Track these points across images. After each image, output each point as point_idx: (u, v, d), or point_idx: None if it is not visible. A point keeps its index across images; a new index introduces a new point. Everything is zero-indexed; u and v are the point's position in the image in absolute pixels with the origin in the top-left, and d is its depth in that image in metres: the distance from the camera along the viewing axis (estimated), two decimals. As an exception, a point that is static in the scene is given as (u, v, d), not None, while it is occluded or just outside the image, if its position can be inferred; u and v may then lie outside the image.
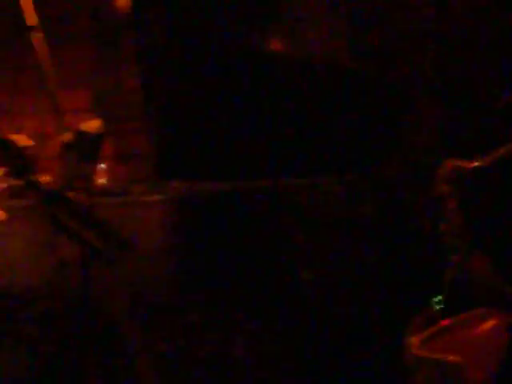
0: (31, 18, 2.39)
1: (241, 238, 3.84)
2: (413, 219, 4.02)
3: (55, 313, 3.15)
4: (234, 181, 3.97)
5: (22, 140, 2.09)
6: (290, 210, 3.88)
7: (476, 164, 2.77)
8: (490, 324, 3.06)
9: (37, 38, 2.38)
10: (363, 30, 4.60)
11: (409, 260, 3.92)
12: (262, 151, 4.00)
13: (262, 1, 4.39)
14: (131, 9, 5.35)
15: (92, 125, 3.56)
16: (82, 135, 3.10)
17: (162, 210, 3.87)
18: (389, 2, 4.68)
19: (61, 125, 2.21)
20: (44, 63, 2.30)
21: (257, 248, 3.85)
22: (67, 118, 5.37)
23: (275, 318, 3.85)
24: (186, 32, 4.38)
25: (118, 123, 5.36)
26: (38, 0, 2.98)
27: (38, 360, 3.63)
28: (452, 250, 2.67)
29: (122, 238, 2.52)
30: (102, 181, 4.74)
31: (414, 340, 2.27)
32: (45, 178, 2.24)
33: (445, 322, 2.59)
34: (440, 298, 2.56)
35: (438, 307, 2.60)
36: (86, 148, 2.73)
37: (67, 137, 2.35)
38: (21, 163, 1.96)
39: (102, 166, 3.43)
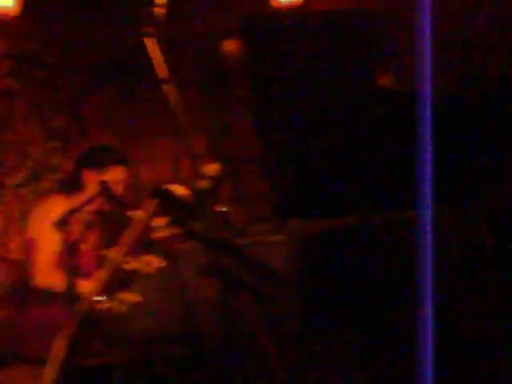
0: (162, 70, 2.44)
1: (363, 274, 3.80)
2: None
3: (197, 355, 3.17)
4: (352, 216, 3.95)
5: (179, 189, 2.12)
6: (409, 241, 3.83)
7: None
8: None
9: (169, 88, 2.42)
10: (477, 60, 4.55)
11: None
12: (378, 186, 3.98)
13: (378, 38, 4.39)
14: (243, 53, 5.42)
15: (211, 168, 3.61)
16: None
17: (284, 249, 3.86)
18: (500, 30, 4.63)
19: (196, 170, 2.24)
20: (177, 112, 2.34)
21: (380, 282, 3.81)
22: (196, 164, 5.45)
23: (398, 351, 3.79)
24: (301, 72, 4.40)
25: (233, 165, 5.41)
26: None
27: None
28: None
29: (279, 278, 2.53)
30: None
31: None
32: (198, 226, 2.27)
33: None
34: None
35: None
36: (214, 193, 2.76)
37: (202, 183, 2.38)
38: (181, 212, 1.99)
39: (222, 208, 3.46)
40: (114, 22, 5.72)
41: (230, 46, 5.60)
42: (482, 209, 4.02)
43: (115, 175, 4.26)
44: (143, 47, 5.67)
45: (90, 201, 4.14)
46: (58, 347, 1.38)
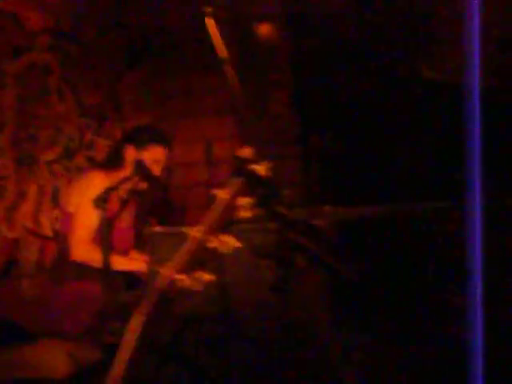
0: (222, 51, 2.42)
1: (394, 260, 3.79)
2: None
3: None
4: (385, 204, 3.94)
5: (262, 170, 2.11)
6: (440, 233, 3.81)
7: None
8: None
9: (228, 69, 2.40)
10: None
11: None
12: (408, 176, 3.97)
13: (417, 28, 4.37)
14: (284, 36, 5.41)
15: (245, 152, 3.60)
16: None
17: (318, 235, 3.84)
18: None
19: (258, 152, 2.22)
20: (236, 93, 2.32)
21: (410, 272, 3.79)
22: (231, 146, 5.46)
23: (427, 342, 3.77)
24: (341, 57, 4.39)
25: (265, 150, 5.39)
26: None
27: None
28: None
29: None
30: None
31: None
32: (281, 207, 2.25)
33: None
34: None
35: None
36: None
37: (257, 169, 2.34)
38: (264, 193, 1.97)
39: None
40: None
41: (267, 28, 5.58)
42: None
43: (155, 155, 4.27)
44: (181, 27, 5.67)
45: (128, 179, 4.14)
46: (135, 324, 1.37)
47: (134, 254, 4.39)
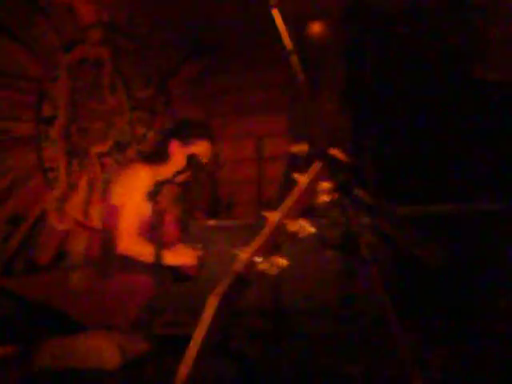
0: (288, 42, 2.40)
1: (455, 258, 3.73)
2: None
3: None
4: (451, 203, 3.88)
5: (340, 155, 2.08)
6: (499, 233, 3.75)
7: None
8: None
9: (294, 60, 2.38)
10: None
11: None
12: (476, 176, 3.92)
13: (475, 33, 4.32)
14: (332, 35, 5.38)
15: (300, 148, 3.57)
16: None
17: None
18: None
19: (323, 145, 2.19)
20: (301, 84, 2.30)
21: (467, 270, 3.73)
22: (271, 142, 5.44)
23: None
24: (398, 56, 4.35)
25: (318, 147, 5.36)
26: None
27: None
28: None
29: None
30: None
31: None
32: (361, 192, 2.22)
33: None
34: None
35: None
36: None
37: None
38: (345, 178, 1.95)
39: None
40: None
41: (319, 27, 5.55)
42: None
43: (200, 149, 4.26)
44: (234, 23, 5.66)
45: (180, 172, 4.13)
46: (209, 306, 1.35)
47: (181, 248, 4.38)
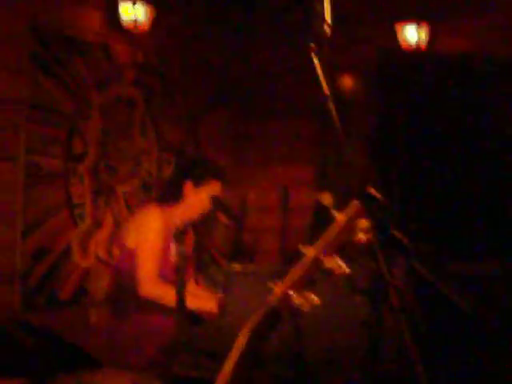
0: (326, 87, 2.42)
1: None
2: None
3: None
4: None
5: (377, 194, 2.08)
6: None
7: None
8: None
9: (331, 106, 2.40)
10: None
11: None
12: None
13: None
14: (358, 89, 5.41)
15: (325, 197, 3.57)
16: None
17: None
18: None
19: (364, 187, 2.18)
20: (338, 129, 2.31)
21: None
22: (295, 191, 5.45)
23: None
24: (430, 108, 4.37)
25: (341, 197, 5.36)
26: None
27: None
28: None
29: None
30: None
31: None
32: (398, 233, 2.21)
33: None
34: None
35: None
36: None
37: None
38: (383, 217, 1.95)
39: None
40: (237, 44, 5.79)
41: (350, 80, 5.60)
42: None
43: (212, 189, 4.24)
44: (261, 72, 5.71)
45: (206, 215, 4.14)
46: (241, 339, 1.35)
47: (192, 287, 4.37)
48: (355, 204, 1.46)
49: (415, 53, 5.24)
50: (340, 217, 1.43)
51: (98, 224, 5.00)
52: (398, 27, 5.45)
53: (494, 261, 3.90)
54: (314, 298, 1.42)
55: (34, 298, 4.59)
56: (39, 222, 4.64)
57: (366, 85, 5.33)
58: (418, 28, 5.37)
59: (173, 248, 4.05)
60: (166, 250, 4.12)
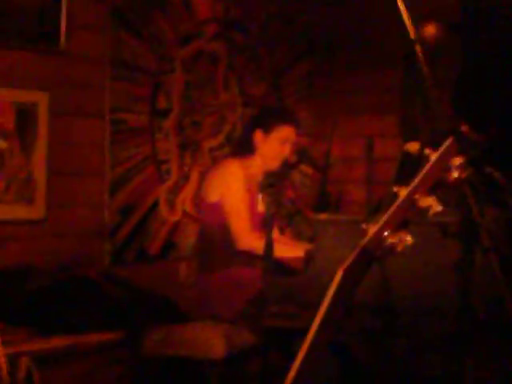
0: (412, 32, 2.37)
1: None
2: None
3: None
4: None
5: (471, 132, 2.05)
6: None
7: None
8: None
9: (418, 49, 2.35)
10: None
11: None
12: None
13: None
14: (442, 35, 5.31)
15: (413, 147, 3.51)
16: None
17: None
18: None
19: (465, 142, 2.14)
20: (431, 90, 2.25)
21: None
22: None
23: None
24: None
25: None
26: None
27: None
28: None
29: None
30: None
31: None
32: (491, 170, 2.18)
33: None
34: None
35: None
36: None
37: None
38: (475, 154, 1.92)
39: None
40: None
41: (434, 27, 5.48)
42: None
43: (283, 135, 4.21)
44: (349, 24, 5.64)
45: (290, 166, 4.14)
46: (336, 280, 1.34)
47: (289, 241, 4.38)
48: (448, 142, 1.43)
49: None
50: (433, 155, 1.40)
51: (184, 179, 5.04)
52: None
53: None
54: (408, 238, 1.39)
55: (123, 253, 4.66)
56: (126, 179, 4.69)
57: (451, 31, 5.21)
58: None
59: (258, 199, 4.06)
60: (251, 201, 4.14)
